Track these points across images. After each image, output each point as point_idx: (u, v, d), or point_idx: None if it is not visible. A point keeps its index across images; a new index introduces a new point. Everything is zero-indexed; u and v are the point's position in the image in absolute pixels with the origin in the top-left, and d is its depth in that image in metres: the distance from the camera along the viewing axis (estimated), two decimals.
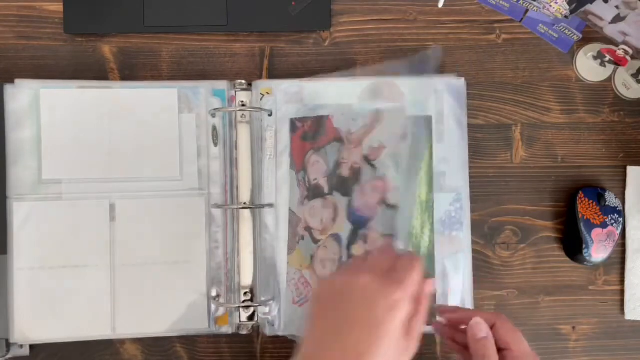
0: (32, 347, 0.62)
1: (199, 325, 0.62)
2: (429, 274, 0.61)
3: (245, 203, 0.63)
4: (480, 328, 0.47)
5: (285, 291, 0.62)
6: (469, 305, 0.62)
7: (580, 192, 0.65)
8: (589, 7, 0.63)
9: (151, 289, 0.61)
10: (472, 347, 0.47)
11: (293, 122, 0.63)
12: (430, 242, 0.62)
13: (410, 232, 0.62)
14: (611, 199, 0.65)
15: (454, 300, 0.62)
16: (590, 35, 0.66)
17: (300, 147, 0.63)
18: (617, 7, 0.62)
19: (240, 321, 0.63)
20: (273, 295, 0.63)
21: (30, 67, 0.65)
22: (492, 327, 0.48)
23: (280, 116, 0.63)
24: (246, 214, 0.63)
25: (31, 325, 0.60)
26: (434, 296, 0.60)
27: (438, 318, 0.55)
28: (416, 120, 0.62)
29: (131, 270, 0.61)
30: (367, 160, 0.62)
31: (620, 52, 0.63)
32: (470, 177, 0.63)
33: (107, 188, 0.62)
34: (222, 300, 0.63)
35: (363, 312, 0.43)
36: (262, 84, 0.64)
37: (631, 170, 0.67)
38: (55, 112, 0.61)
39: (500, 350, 0.47)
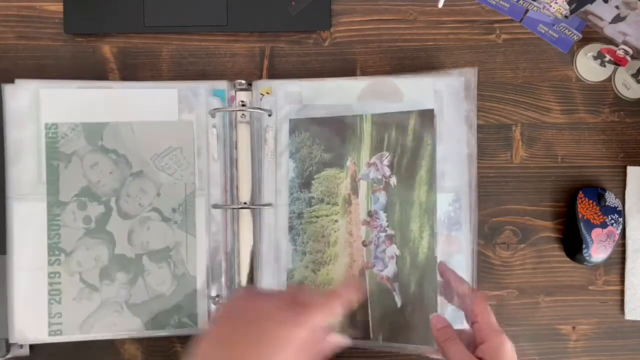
0: (32, 347, 0.62)
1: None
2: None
3: (245, 203, 0.63)
4: (439, 320, 0.54)
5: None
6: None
7: (580, 192, 0.65)
8: (589, 7, 0.63)
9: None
10: (435, 335, 0.53)
11: (292, 123, 0.63)
12: (429, 248, 0.59)
13: (408, 237, 0.60)
14: (611, 199, 0.65)
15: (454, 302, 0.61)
16: (590, 35, 0.66)
17: None
18: (617, 7, 0.62)
19: None
20: None
21: (30, 67, 0.65)
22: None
23: (280, 116, 0.63)
24: (246, 214, 0.63)
25: (31, 326, 0.60)
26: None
27: (438, 278, 0.59)
28: (418, 115, 0.61)
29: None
30: None
31: (620, 52, 0.63)
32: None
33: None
34: (222, 300, 0.62)
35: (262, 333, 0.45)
36: (262, 84, 0.64)
37: (631, 170, 0.67)
38: (55, 112, 0.61)
39: (471, 323, 0.53)
